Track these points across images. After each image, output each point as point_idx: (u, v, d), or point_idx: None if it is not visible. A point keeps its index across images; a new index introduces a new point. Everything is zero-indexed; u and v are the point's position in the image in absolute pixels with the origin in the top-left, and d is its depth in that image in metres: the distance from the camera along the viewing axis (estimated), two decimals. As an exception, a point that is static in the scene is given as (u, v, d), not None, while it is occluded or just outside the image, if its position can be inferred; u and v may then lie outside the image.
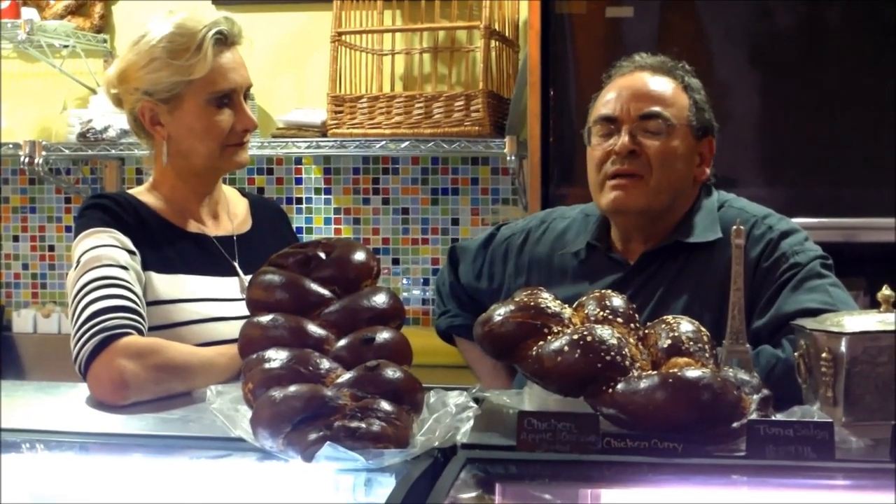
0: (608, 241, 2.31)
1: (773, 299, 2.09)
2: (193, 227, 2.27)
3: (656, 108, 2.20)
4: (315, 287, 1.71)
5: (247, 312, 1.75)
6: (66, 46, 4.02)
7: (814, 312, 1.88)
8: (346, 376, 1.55)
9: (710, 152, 2.27)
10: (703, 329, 1.66)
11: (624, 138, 2.19)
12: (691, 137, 2.23)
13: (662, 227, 2.24)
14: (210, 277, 2.23)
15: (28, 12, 4.00)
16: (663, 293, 2.17)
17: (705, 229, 2.21)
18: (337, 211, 4.07)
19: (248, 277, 2.17)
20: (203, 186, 2.29)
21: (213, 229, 2.30)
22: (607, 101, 2.24)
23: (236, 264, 2.27)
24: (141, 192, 2.28)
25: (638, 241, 2.27)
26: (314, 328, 1.65)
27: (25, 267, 4.32)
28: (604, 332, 1.57)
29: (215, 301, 2.20)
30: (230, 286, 2.24)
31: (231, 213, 2.36)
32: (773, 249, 2.14)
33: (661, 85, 2.24)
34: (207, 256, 2.25)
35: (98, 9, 4.17)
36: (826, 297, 2.06)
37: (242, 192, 2.47)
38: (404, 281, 4.00)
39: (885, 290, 1.64)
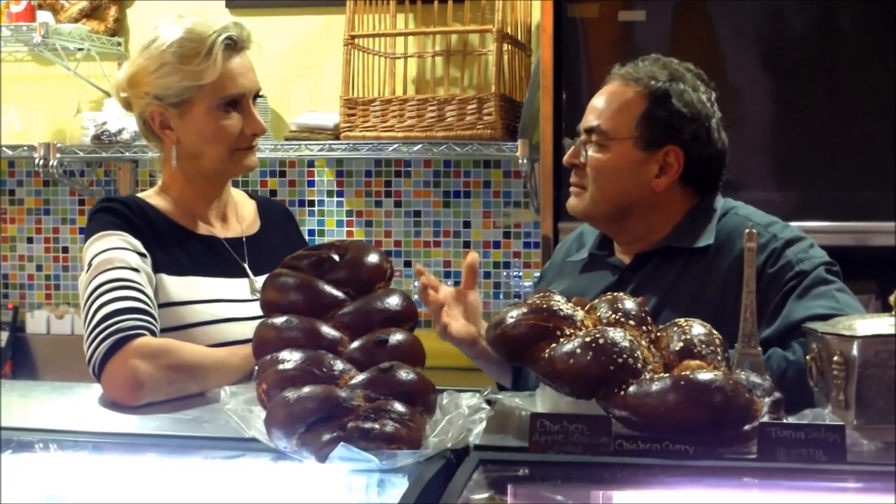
0: (610, 248, 2.35)
1: (779, 307, 2.09)
2: (203, 229, 2.28)
3: (594, 123, 2.25)
4: (329, 289, 1.72)
5: (257, 313, 1.76)
6: (80, 49, 4.04)
7: (822, 318, 1.88)
8: (360, 377, 1.56)
9: (678, 162, 2.23)
10: (714, 332, 1.66)
11: (568, 151, 2.30)
12: (634, 150, 2.22)
13: (639, 231, 2.27)
14: (220, 279, 2.23)
15: (43, 15, 4.02)
16: (661, 297, 2.17)
17: (698, 235, 2.22)
18: (349, 213, 4.08)
19: (258, 279, 2.20)
20: (212, 190, 2.30)
21: (222, 231, 2.31)
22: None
23: (246, 266, 2.28)
24: (150, 195, 2.29)
25: (625, 245, 2.31)
26: (328, 330, 1.66)
27: (39, 268, 4.34)
28: (616, 334, 1.58)
29: (226, 302, 2.21)
30: (240, 287, 2.25)
31: (240, 216, 2.37)
32: (777, 258, 2.15)
33: (613, 96, 2.26)
34: (217, 258, 2.26)
35: (112, 12, 4.19)
36: (833, 302, 2.06)
37: (250, 194, 2.48)
38: (416, 283, 4.00)
39: (897, 294, 1.65)
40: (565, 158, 2.30)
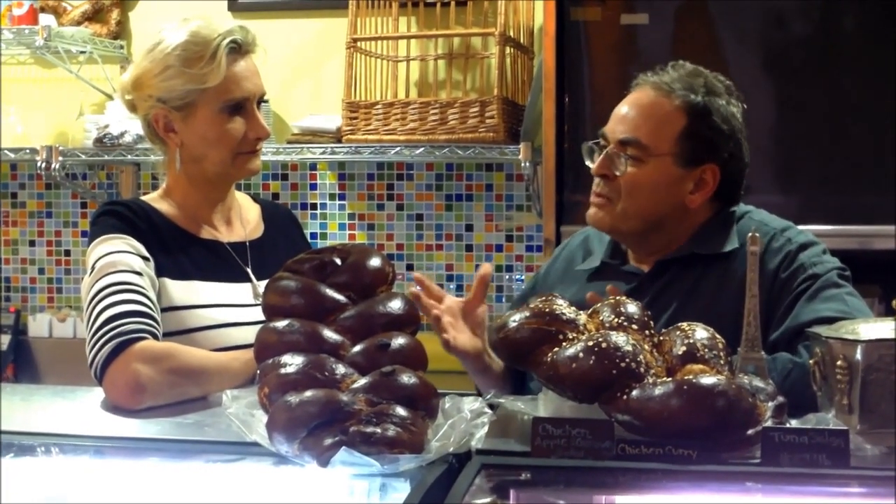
0: (623, 256, 2.31)
1: (789, 310, 2.09)
2: (206, 233, 2.28)
3: (632, 135, 2.17)
4: (331, 293, 1.71)
5: (260, 318, 1.76)
6: (83, 52, 4.04)
7: (830, 321, 1.87)
8: (362, 382, 1.55)
9: (714, 179, 2.20)
10: (718, 336, 1.66)
11: (598, 160, 2.21)
12: (674, 166, 2.18)
13: (662, 243, 2.23)
14: (223, 283, 2.23)
15: (46, 18, 4.02)
16: (680, 303, 2.16)
17: (722, 240, 2.20)
18: (351, 217, 4.08)
19: (261, 283, 2.20)
20: (216, 193, 2.30)
21: (225, 235, 2.30)
22: (611, 116, 2.24)
23: (249, 270, 2.28)
24: (154, 199, 2.29)
25: (644, 254, 2.27)
26: (330, 333, 1.65)
27: (41, 271, 4.34)
28: (619, 338, 1.57)
29: (229, 307, 2.21)
30: (243, 292, 2.25)
31: (243, 220, 2.37)
32: (791, 261, 2.14)
33: (651, 108, 2.19)
34: (220, 262, 2.25)
35: (115, 15, 4.19)
36: (842, 305, 2.05)
37: (255, 197, 2.47)
38: (418, 287, 4.00)
39: (901, 298, 1.64)
40: (596, 168, 2.21)
